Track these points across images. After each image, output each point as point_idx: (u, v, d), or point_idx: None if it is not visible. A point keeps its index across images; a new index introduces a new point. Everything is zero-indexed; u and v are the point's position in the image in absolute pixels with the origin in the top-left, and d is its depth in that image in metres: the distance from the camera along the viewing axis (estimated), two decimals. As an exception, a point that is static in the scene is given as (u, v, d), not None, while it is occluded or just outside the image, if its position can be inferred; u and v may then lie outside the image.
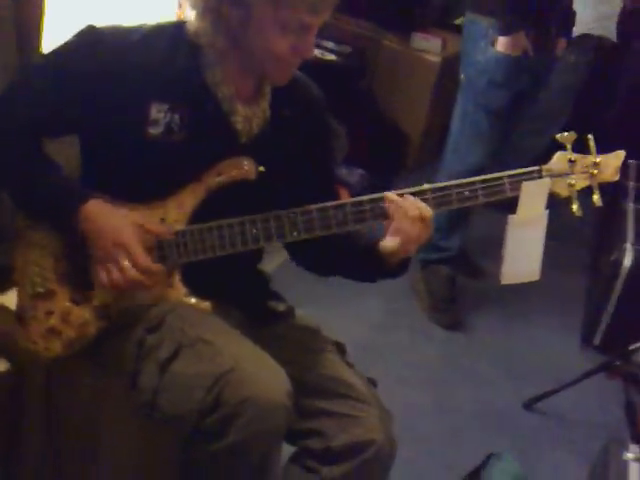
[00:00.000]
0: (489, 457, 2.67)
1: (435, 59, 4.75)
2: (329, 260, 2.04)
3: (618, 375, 3.20)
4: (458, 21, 5.15)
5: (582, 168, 1.90)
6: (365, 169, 4.53)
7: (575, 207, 1.90)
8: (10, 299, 2.07)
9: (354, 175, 4.48)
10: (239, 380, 1.66)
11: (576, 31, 3.69)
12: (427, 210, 1.81)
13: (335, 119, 2.01)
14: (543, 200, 1.89)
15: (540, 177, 1.87)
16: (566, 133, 1.89)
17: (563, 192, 1.90)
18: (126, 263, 1.73)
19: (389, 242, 1.85)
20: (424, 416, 3.08)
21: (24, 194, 1.84)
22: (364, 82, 4.76)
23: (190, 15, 1.74)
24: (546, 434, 3.12)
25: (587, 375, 3.13)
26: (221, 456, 1.69)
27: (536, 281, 3.59)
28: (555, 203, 1.95)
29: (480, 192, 1.85)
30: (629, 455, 2.22)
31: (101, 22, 1.83)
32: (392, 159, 4.87)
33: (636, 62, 5.00)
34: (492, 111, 3.45)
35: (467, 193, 1.84)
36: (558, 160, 1.90)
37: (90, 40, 1.79)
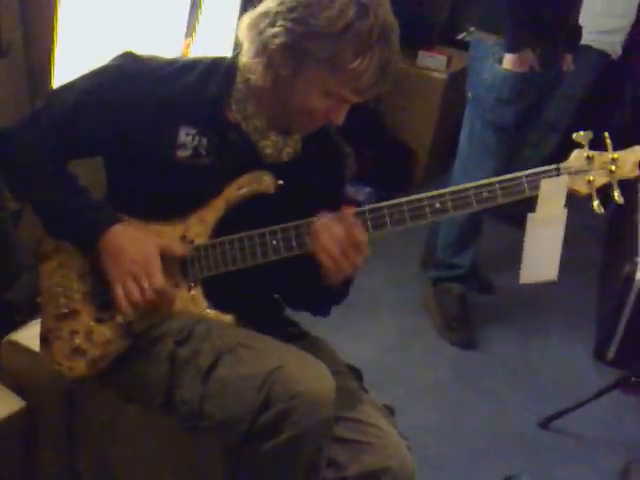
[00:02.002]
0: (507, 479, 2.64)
1: (441, 76, 4.78)
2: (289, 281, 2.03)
3: (635, 390, 3.17)
4: (460, 37, 5.18)
5: (600, 165, 1.87)
6: (373, 187, 4.54)
7: (596, 204, 1.88)
8: (23, 336, 2.10)
9: (362, 193, 4.49)
10: (287, 376, 1.69)
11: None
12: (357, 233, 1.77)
13: (343, 138, 2.02)
14: (562, 198, 1.87)
15: (558, 175, 1.86)
16: (582, 132, 1.88)
17: (582, 189, 1.88)
18: (144, 282, 1.76)
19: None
20: (439, 437, 3.05)
21: (51, 214, 1.87)
22: (371, 100, 4.76)
23: (244, 48, 1.78)
24: (564, 453, 3.09)
25: (603, 392, 3.11)
26: (277, 453, 1.70)
27: (548, 295, 3.60)
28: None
29: (499, 192, 1.83)
30: (650, 476, 2.20)
31: (110, 52, 1.87)
32: (399, 176, 4.87)
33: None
34: (500, 128, 3.44)
35: (486, 194, 1.83)
36: (576, 158, 1.88)
37: (125, 67, 1.84)
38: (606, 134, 1.90)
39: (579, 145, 1.88)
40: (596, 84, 4.70)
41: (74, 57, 2.62)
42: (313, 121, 1.82)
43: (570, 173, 1.87)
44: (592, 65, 4.53)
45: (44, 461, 2.16)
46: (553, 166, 1.87)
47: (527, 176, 1.85)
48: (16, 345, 2.11)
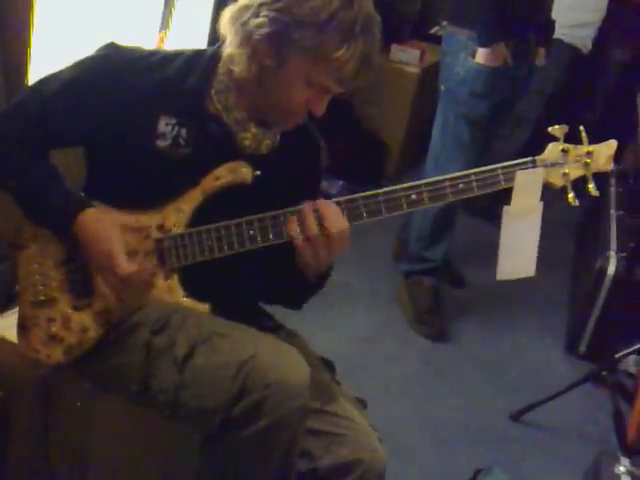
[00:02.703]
0: (478, 472, 2.64)
1: (414, 70, 4.78)
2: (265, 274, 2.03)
3: (605, 384, 3.19)
4: (433, 31, 5.19)
5: (575, 157, 1.89)
6: (345, 180, 4.54)
7: (571, 196, 1.90)
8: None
9: (335, 186, 4.48)
10: (262, 365, 1.70)
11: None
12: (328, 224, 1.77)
13: (316, 131, 2.03)
14: (538, 190, 1.89)
15: (534, 167, 1.87)
16: (557, 126, 1.89)
17: (558, 182, 1.90)
18: (111, 273, 1.78)
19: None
20: (410, 429, 3.06)
21: (26, 201, 1.87)
22: (343, 94, 4.75)
23: (227, 40, 1.79)
24: (534, 446, 3.11)
25: (574, 385, 3.12)
26: (253, 441, 1.71)
27: (520, 289, 3.61)
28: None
29: (474, 184, 1.84)
30: (621, 469, 2.22)
31: (85, 46, 1.88)
32: (372, 169, 4.88)
33: (614, 69, 5.07)
34: (473, 121, 3.46)
35: (461, 186, 1.83)
36: (551, 150, 1.89)
37: (109, 58, 1.84)
38: (581, 128, 1.91)
39: (554, 138, 1.90)
40: (568, 79, 4.73)
41: (50, 50, 2.61)
42: (294, 115, 1.83)
43: (545, 166, 1.88)
44: (562, 59, 4.55)
45: (18, 452, 2.15)
46: (529, 159, 1.88)
47: (503, 168, 1.86)
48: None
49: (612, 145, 1.92)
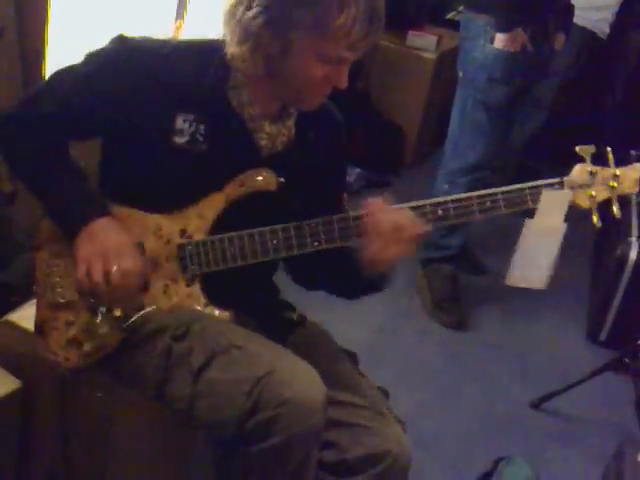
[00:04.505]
0: (498, 461, 2.63)
1: (431, 56, 4.75)
2: (319, 271, 2.03)
3: (627, 371, 3.16)
4: (450, 16, 5.15)
5: (602, 180, 1.89)
6: (363, 168, 4.51)
7: (595, 219, 1.90)
8: (19, 317, 2.11)
9: (352, 174, 4.46)
10: (277, 382, 1.67)
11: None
12: (405, 221, 1.78)
13: (333, 106, 2.01)
14: (562, 211, 1.89)
15: (561, 188, 1.86)
16: (585, 146, 1.88)
17: (584, 203, 1.90)
18: (112, 264, 1.73)
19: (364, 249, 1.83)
20: (429, 418, 3.05)
21: (45, 197, 1.85)
22: (360, 81, 4.73)
23: (227, 39, 1.75)
24: (555, 434, 3.09)
25: (595, 373, 3.10)
26: (264, 457, 1.69)
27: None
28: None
29: (502, 203, 1.84)
30: (643, 457, 2.20)
31: (101, 35, 1.87)
32: (390, 157, 4.86)
33: (633, 53, 5.01)
34: (491, 107, 3.43)
35: (489, 204, 1.83)
36: (578, 172, 1.89)
37: (120, 51, 1.81)
38: (609, 149, 1.91)
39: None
40: (584, 63, 4.68)
41: (66, 39, 2.63)
42: (317, 92, 1.80)
43: (572, 187, 1.88)
44: (574, 40, 4.48)
45: (38, 444, 2.16)
46: (557, 179, 1.88)
47: (530, 188, 1.86)
48: (12, 326, 2.11)
49: (638, 168, 1.91)
